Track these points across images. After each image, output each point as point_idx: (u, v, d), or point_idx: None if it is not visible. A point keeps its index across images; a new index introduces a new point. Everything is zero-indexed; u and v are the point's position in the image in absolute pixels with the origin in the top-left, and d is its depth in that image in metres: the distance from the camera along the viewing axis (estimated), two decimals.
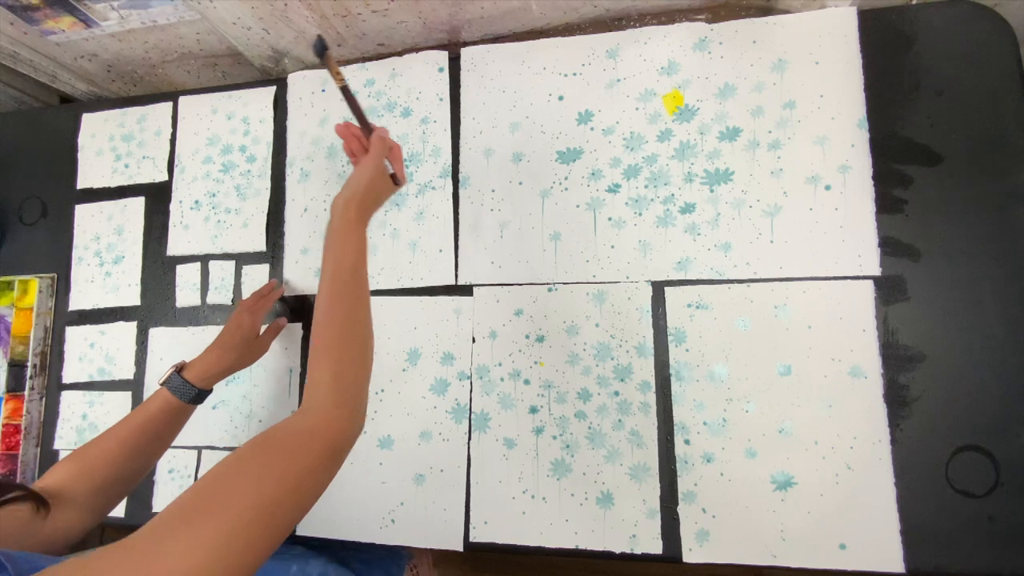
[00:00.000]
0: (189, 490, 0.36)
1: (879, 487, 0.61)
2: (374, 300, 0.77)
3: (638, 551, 0.65)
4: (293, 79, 0.86)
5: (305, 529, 0.73)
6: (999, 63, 0.65)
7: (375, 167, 0.59)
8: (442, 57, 0.80)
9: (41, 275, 0.90)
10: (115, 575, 0.30)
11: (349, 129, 0.63)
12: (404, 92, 0.81)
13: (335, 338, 0.49)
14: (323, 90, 0.85)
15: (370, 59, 0.85)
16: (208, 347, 0.69)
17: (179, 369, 0.65)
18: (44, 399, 0.88)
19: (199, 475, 0.80)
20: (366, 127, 0.62)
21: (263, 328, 0.76)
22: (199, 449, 0.81)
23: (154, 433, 0.61)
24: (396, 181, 0.63)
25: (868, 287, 0.65)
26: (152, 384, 0.84)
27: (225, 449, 0.80)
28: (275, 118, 0.86)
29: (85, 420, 0.86)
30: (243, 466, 0.38)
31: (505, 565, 1.25)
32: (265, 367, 0.80)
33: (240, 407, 0.80)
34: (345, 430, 0.45)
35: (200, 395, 0.66)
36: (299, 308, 0.81)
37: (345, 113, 0.61)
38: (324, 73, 0.85)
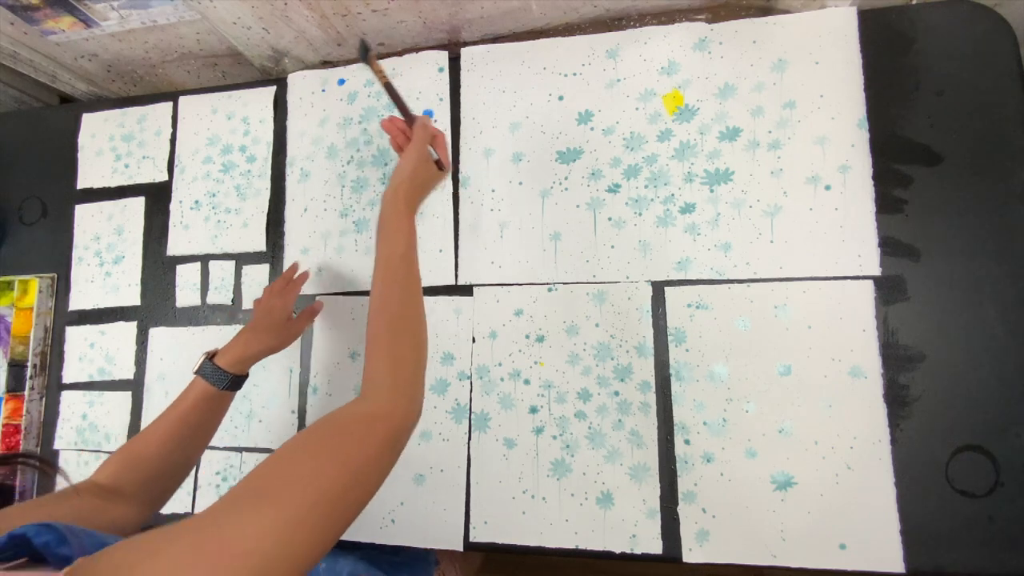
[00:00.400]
0: (254, 473, 0.36)
1: (879, 487, 0.61)
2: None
3: (638, 551, 0.65)
4: (293, 79, 0.86)
5: None
6: (999, 63, 0.65)
7: (418, 155, 0.60)
8: (442, 57, 0.80)
9: (41, 275, 0.90)
10: (182, 553, 0.30)
11: (394, 123, 0.65)
12: (404, 92, 0.81)
13: (390, 326, 0.50)
14: (323, 90, 0.85)
15: None
16: (239, 332, 0.68)
17: (211, 356, 0.64)
18: (44, 399, 0.88)
19: (199, 477, 0.80)
20: (409, 118, 0.63)
21: (295, 313, 0.74)
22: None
23: (195, 423, 0.61)
24: (441, 167, 0.64)
25: (868, 287, 0.65)
26: (152, 384, 0.84)
27: (225, 449, 0.80)
28: (275, 118, 0.86)
29: (85, 420, 0.86)
30: (308, 451, 0.39)
31: (518, 567, 1.25)
32: (265, 367, 0.80)
33: (240, 407, 0.80)
34: (406, 417, 0.46)
35: (236, 381, 0.64)
36: (298, 308, 0.81)
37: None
38: (324, 73, 0.85)
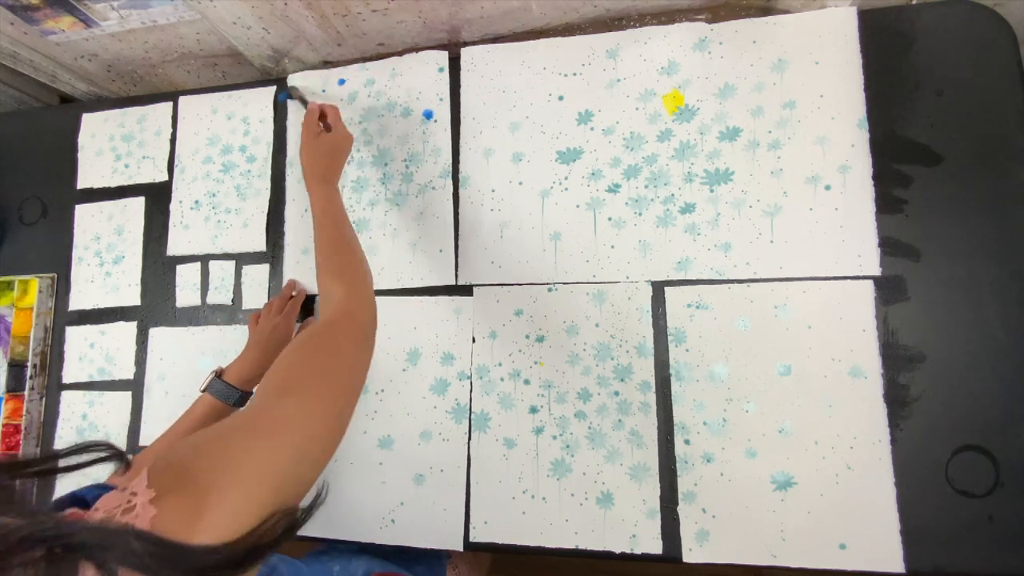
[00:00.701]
0: (265, 383, 0.43)
1: (879, 487, 0.61)
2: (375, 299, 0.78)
3: (638, 551, 0.65)
4: (293, 79, 0.86)
5: (307, 530, 0.73)
6: (999, 63, 0.65)
7: (304, 137, 0.69)
8: (442, 57, 0.80)
9: (41, 275, 0.90)
10: (242, 434, 0.36)
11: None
12: (404, 92, 0.81)
13: (327, 255, 0.57)
14: (323, 90, 0.85)
15: (370, 59, 0.85)
16: (244, 351, 0.71)
17: (219, 374, 0.67)
18: (44, 399, 0.88)
19: None
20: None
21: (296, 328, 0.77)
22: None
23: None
24: (328, 129, 0.70)
25: (868, 287, 0.65)
26: (152, 384, 0.84)
27: None
28: (275, 118, 0.86)
29: (85, 420, 0.86)
30: (308, 351, 0.46)
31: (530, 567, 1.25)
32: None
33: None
34: (365, 312, 0.52)
35: (243, 398, 0.67)
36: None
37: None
38: (324, 73, 0.85)
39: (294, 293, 0.78)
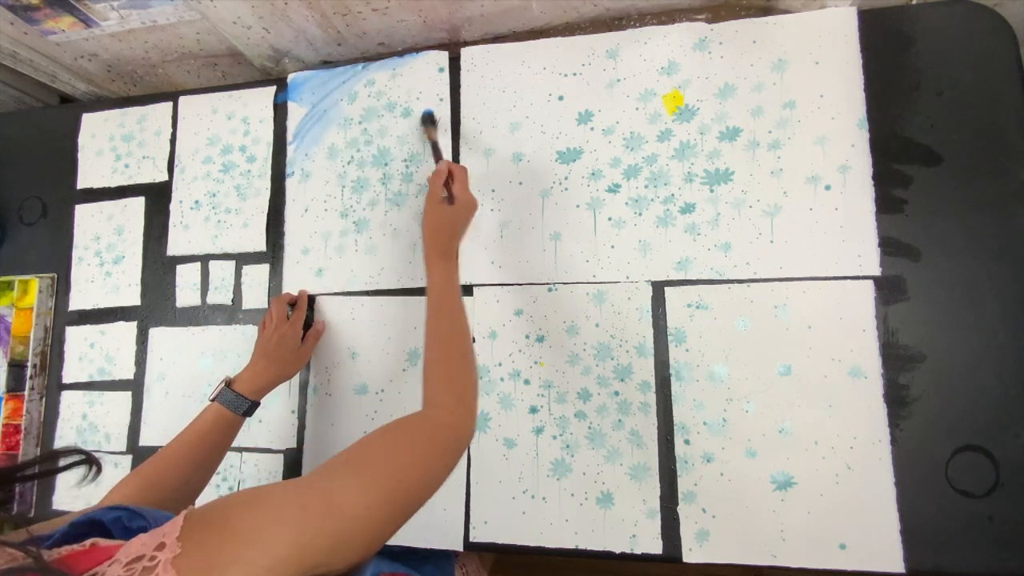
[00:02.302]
0: (344, 454, 0.42)
1: (879, 487, 0.61)
2: (374, 299, 0.78)
3: (638, 551, 0.65)
4: (293, 79, 0.86)
5: None
6: (999, 63, 0.65)
7: (428, 205, 0.67)
8: (442, 57, 0.80)
9: (41, 275, 0.90)
10: (288, 503, 0.35)
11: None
12: (404, 92, 0.81)
13: (441, 350, 0.57)
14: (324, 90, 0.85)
15: (371, 58, 0.85)
16: (252, 361, 0.71)
17: (228, 383, 0.67)
18: (44, 399, 0.88)
19: None
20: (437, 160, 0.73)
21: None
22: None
23: (211, 446, 0.63)
24: (451, 200, 0.67)
25: (868, 287, 0.65)
26: (152, 384, 0.84)
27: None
28: (275, 118, 0.86)
29: (85, 420, 0.86)
30: (388, 444, 0.45)
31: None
32: None
33: None
34: (466, 426, 0.52)
35: (252, 407, 0.67)
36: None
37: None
38: (324, 74, 0.85)
39: (298, 299, 0.78)
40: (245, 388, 0.67)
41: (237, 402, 0.66)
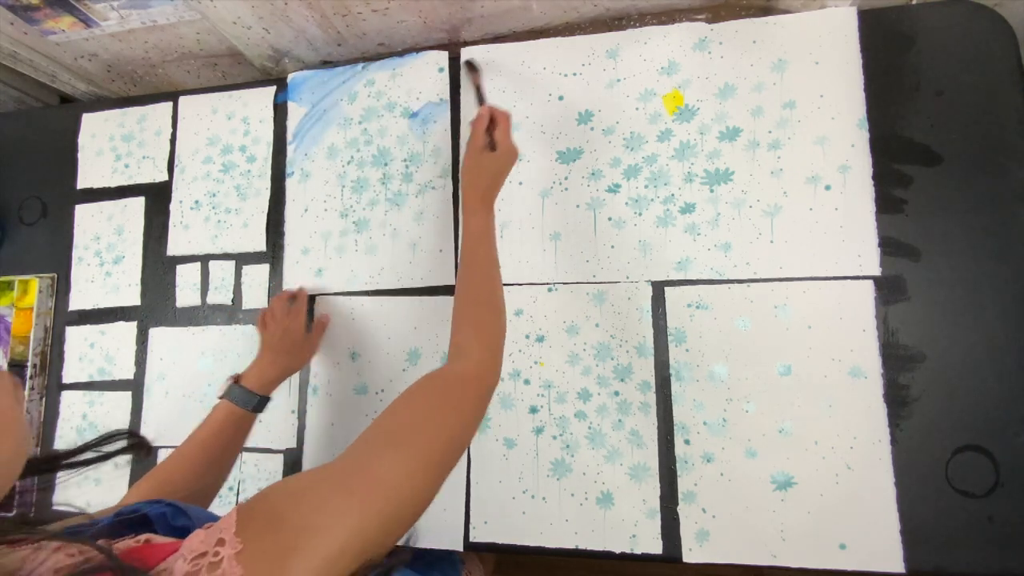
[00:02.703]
0: (378, 424, 0.42)
1: (879, 487, 0.61)
2: (374, 300, 0.78)
3: (638, 551, 0.65)
4: (293, 79, 0.86)
5: None
6: (999, 63, 0.65)
7: (470, 149, 0.65)
8: (442, 57, 0.80)
9: (41, 275, 0.90)
10: (334, 488, 0.35)
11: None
12: (404, 92, 0.81)
13: (472, 299, 0.56)
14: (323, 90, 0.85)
15: (370, 58, 0.85)
16: (258, 355, 0.70)
17: (236, 380, 0.67)
18: (44, 399, 0.88)
19: None
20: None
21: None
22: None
23: (223, 445, 0.63)
24: (493, 147, 0.64)
25: (868, 287, 0.65)
26: (152, 384, 0.84)
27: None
28: (275, 118, 0.86)
29: (85, 420, 0.86)
30: (420, 406, 0.45)
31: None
32: None
33: None
34: (492, 377, 0.51)
35: (262, 402, 0.67)
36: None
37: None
38: (324, 73, 0.85)
39: (297, 292, 0.78)
40: (253, 383, 0.66)
41: (246, 397, 0.65)
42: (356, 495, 0.35)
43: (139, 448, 0.36)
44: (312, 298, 0.80)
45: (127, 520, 0.35)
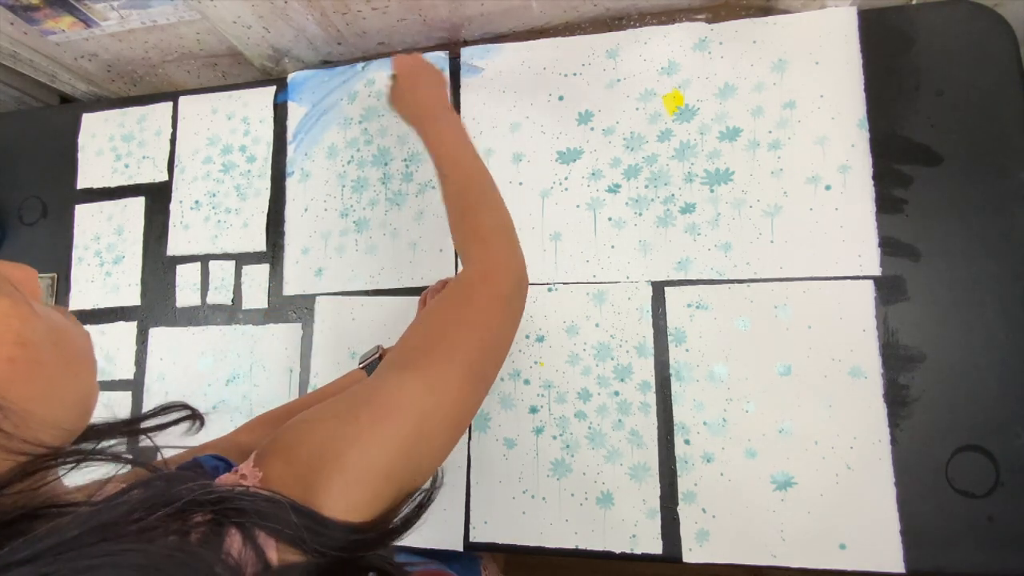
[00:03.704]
0: (397, 348, 0.42)
1: (879, 487, 0.61)
2: (374, 300, 0.78)
3: (638, 551, 0.65)
4: (293, 79, 0.86)
5: None
6: (999, 63, 0.65)
7: (388, 93, 0.63)
8: (442, 59, 0.80)
9: (41, 275, 0.90)
10: (352, 412, 0.34)
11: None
12: None
13: (460, 203, 0.51)
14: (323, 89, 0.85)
15: (371, 57, 0.85)
16: None
17: (381, 355, 0.63)
18: None
19: None
20: None
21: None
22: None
23: None
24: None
25: (868, 287, 0.65)
26: (152, 384, 0.84)
27: None
28: (275, 118, 0.86)
29: None
30: (434, 319, 0.43)
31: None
32: (265, 367, 0.80)
33: (240, 407, 0.80)
34: (508, 272, 0.46)
35: None
36: (299, 309, 0.81)
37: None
38: (324, 73, 0.85)
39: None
40: None
41: None
42: (378, 417, 0.34)
43: (193, 419, 0.37)
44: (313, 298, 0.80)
45: (188, 466, 0.36)
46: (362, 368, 0.64)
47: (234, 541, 0.25)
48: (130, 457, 0.29)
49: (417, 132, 0.58)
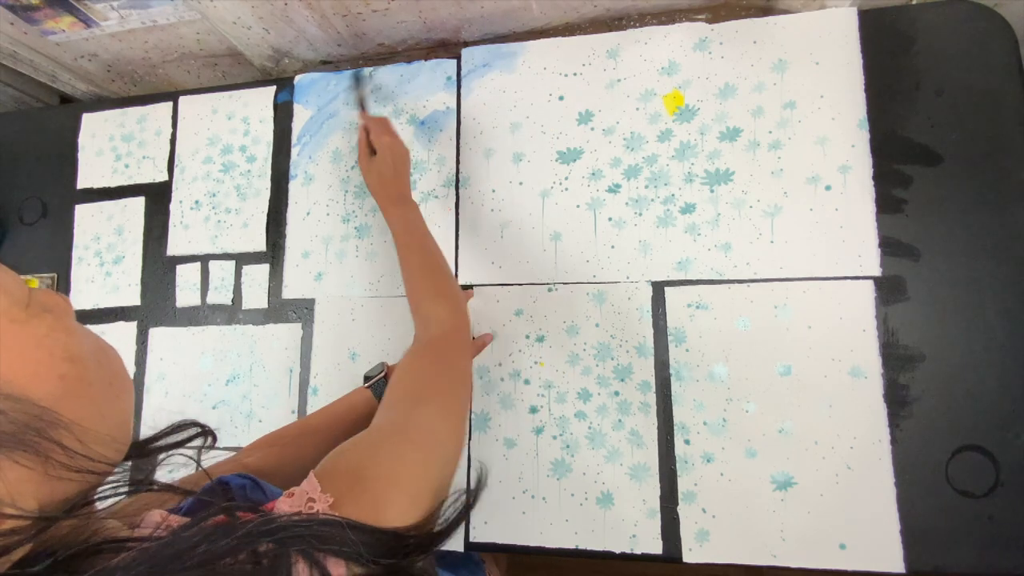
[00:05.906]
0: (396, 392, 0.48)
1: (879, 487, 0.61)
2: (375, 301, 0.78)
3: (638, 551, 0.65)
4: (300, 81, 0.86)
5: None
6: (999, 63, 0.65)
7: (359, 163, 0.70)
8: (451, 66, 0.80)
9: (41, 275, 0.90)
10: (397, 445, 0.39)
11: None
12: (411, 99, 0.81)
13: (422, 278, 0.60)
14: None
15: (370, 59, 0.85)
16: None
17: (387, 375, 0.65)
18: None
19: None
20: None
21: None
22: (199, 450, 0.80)
23: (348, 428, 0.62)
24: (374, 152, 0.69)
25: (868, 287, 0.65)
26: (152, 384, 0.84)
27: (226, 449, 0.80)
28: (275, 118, 0.86)
29: None
30: (429, 364, 0.51)
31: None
32: (265, 367, 0.80)
33: (240, 407, 0.80)
34: (465, 323, 0.58)
35: None
36: (299, 309, 0.81)
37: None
38: (330, 77, 0.85)
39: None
40: None
41: None
42: (417, 444, 0.40)
43: (205, 436, 0.37)
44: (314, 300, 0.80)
45: (214, 486, 0.37)
46: (367, 387, 0.64)
47: (300, 566, 0.26)
48: (186, 489, 0.31)
49: (385, 208, 0.66)
